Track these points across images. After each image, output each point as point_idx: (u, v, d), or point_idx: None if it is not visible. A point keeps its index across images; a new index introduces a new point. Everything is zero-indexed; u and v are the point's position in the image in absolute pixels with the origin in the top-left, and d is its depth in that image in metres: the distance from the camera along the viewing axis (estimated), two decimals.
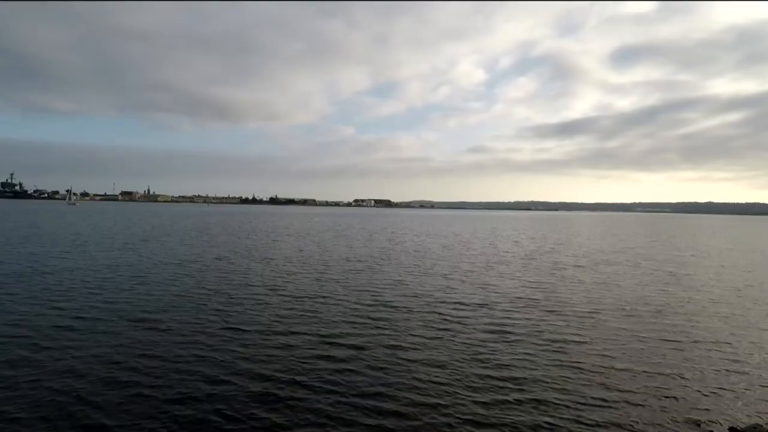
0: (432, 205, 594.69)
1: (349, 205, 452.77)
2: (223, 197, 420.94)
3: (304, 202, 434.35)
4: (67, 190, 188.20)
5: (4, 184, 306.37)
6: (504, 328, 11.75)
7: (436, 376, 8.44)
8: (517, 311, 13.67)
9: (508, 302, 14.88)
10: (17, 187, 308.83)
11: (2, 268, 19.15)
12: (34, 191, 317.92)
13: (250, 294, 15.24)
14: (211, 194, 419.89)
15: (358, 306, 13.92)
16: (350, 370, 8.64)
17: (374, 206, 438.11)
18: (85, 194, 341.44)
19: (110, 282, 16.65)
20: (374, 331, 11.25)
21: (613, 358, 9.67)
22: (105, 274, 18.23)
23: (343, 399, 7.41)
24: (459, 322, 12.27)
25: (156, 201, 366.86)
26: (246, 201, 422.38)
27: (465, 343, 10.44)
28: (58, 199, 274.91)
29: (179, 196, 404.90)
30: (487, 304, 14.47)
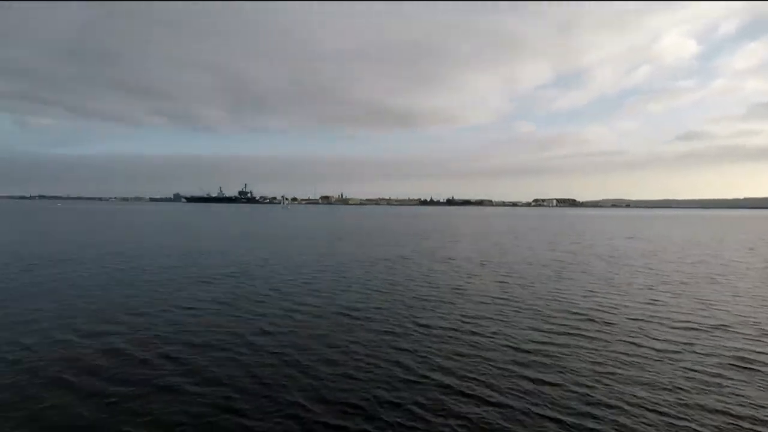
0: (627, 204, 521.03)
1: (528, 205, 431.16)
2: (404, 199, 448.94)
3: (480, 203, 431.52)
4: (283, 196, 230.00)
5: (241, 192, 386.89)
6: (739, 355, 9.48)
7: (655, 402, 7.31)
8: (761, 339, 10.87)
9: (746, 326, 11.97)
10: (249, 194, 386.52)
11: (234, 253, 24.22)
12: (261, 197, 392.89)
13: (435, 293, 15.81)
14: (393, 196, 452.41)
15: (547, 313, 13.09)
16: (544, 381, 8.16)
17: (557, 206, 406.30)
18: (294, 199, 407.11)
19: (313, 277, 19.35)
20: (569, 342, 10.40)
21: None
22: (309, 270, 21.27)
23: (538, 410, 7.05)
24: (678, 342, 10.41)
25: (347, 203, 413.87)
26: (424, 202, 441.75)
27: (689, 368, 8.79)
28: (276, 203, 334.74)
29: (366, 199, 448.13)
30: (719, 326, 11.91)
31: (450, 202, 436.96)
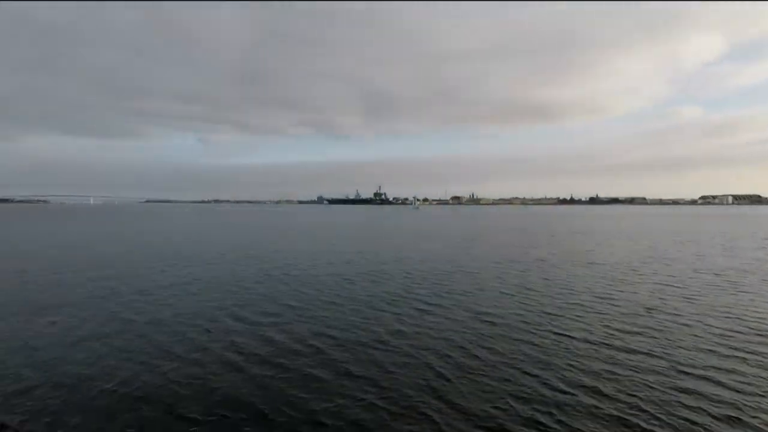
0: None
1: (692, 203, 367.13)
2: (540, 198, 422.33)
3: (631, 201, 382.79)
4: (414, 197, 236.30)
5: (375, 194, 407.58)
6: None
7: None
8: None
9: None
10: (383, 196, 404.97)
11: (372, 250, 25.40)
12: (393, 198, 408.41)
13: (576, 299, 14.51)
14: (527, 196, 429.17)
15: (722, 333, 10.98)
16: (718, 417, 6.84)
17: (733, 203, 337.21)
18: (425, 200, 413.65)
19: (444, 277, 19.31)
20: (747, 371, 8.57)
21: None
22: (440, 270, 21.28)
23: None
24: None
25: (479, 203, 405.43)
26: (564, 201, 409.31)
27: None
28: (407, 203, 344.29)
29: (499, 199, 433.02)
30: None
31: (594, 201, 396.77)
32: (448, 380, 8.18)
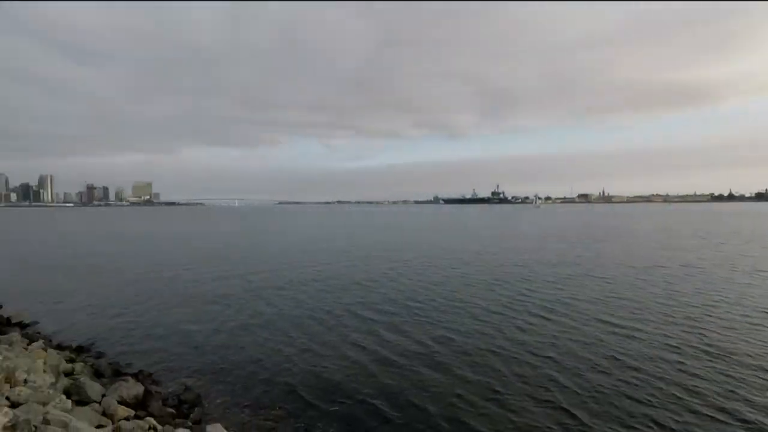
0: None
1: None
2: (687, 195, 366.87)
3: None
4: (535, 195, 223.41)
5: (493, 193, 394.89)
6: None
7: None
8: None
9: None
10: (501, 195, 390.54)
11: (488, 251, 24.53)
12: (512, 197, 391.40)
13: (737, 313, 12.26)
14: (671, 192, 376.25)
15: None
16: None
17: None
18: (548, 198, 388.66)
19: (570, 279, 17.82)
20: None
21: None
22: (566, 272, 19.70)
23: None
24: None
25: (611, 202, 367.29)
26: (718, 198, 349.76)
27: None
28: (528, 203, 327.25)
29: (635, 196, 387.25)
30: None
31: (761, 197, 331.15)
32: (579, 383, 7.54)
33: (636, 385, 7.72)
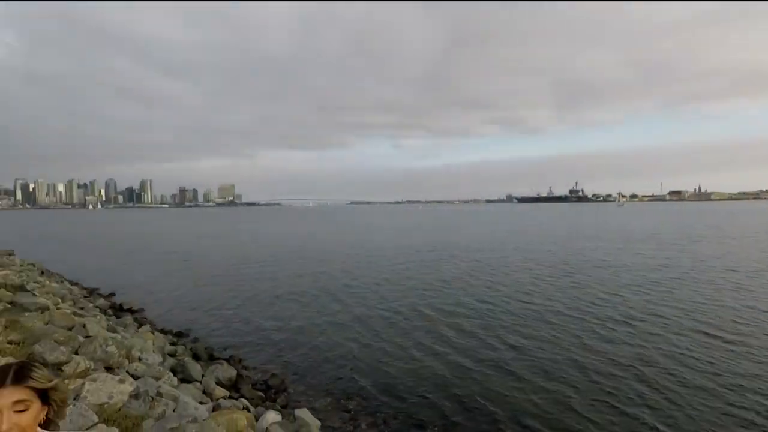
0: None
1: None
2: None
3: None
4: (618, 193, 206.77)
5: (571, 191, 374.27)
6: None
7: None
8: None
9: None
10: (579, 193, 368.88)
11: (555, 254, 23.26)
12: (592, 195, 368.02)
13: None
14: None
15: None
16: None
17: None
18: (633, 196, 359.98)
19: (661, 283, 16.41)
20: None
21: None
22: (656, 276, 18.18)
23: None
24: None
25: (709, 200, 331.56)
26: None
27: None
28: (610, 201, 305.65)
29: (738, 193, 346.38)
30: None
31: None
32: (666, 397, 6.97)
33: (734, 405, 6.95)
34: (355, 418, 6.71)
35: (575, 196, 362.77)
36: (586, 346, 9.53)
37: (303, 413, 5.66)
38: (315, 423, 5.56)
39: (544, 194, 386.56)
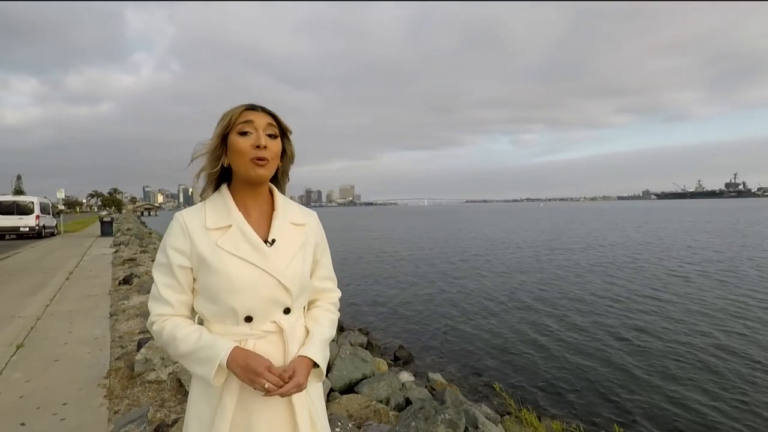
0: None
1: None
2: None
3: None
4: None
5: (728, 185, 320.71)
6: None
7: None
8: None
9: None
10: (740, 187, 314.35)
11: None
12: (758, 189, 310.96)
13: None
14: None
15: None
16: None
17: None
18: None
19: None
20: None
21: None
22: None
23: None
24: None
25: None
26: None
27: None
28: None
29: None
30: None
31: None
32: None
33: None
34: (483, 392, 6.18)
35: (733, 191, 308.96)
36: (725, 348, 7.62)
37: (436, 376, 5.94)
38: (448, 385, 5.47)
39: (691, 189, 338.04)
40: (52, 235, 20.28)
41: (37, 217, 18.14)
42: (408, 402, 3.92)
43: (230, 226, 0.99)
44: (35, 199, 18.52)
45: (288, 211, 1.08)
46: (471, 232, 38.60)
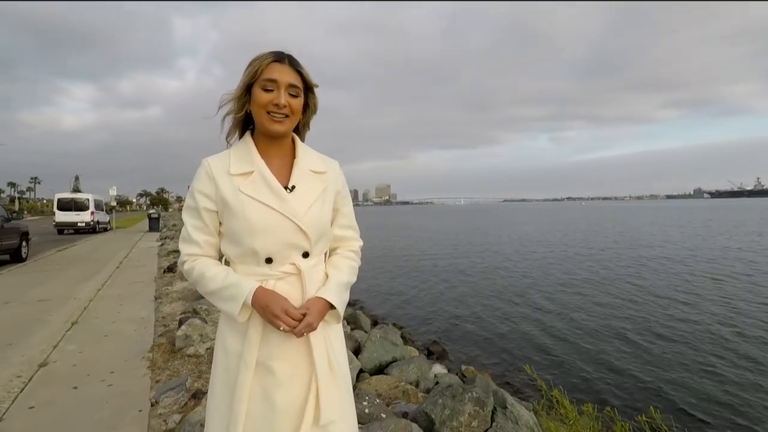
0: None
1: None
2: None
3: None
4: None
5: None
6: None
7: None
8: None
9: None
10: None
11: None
12: None
13: None
14: None
15: None
16: None
17: None
18: None
19: None
20: None
21: None
22: None
23: None
24: None
25: None
26: None
27: None
28: None
29: None
30: None
31: None
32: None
33: None
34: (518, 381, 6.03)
35: None
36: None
37: (468, 367, 6.23)
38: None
39: (749, 187, 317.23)
40: (105, 230, 21.54)
41: (92, 213, 19.29)
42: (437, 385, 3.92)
43: (252, 172, 1.04)
44: (90, 197, 19.66)
45: (308, 159, 1.12)
46: (506, 231, 38.21)
